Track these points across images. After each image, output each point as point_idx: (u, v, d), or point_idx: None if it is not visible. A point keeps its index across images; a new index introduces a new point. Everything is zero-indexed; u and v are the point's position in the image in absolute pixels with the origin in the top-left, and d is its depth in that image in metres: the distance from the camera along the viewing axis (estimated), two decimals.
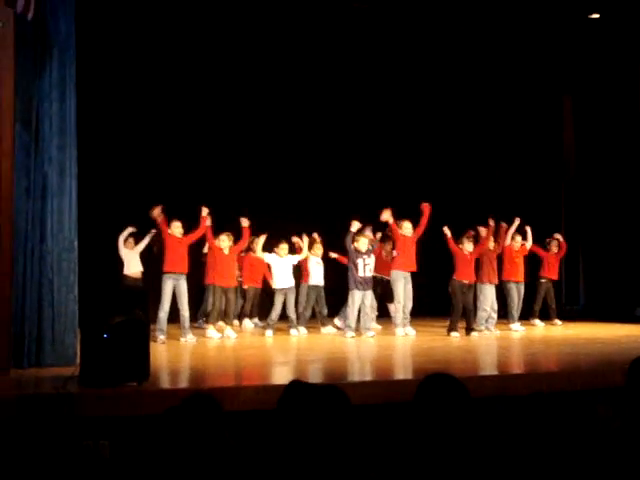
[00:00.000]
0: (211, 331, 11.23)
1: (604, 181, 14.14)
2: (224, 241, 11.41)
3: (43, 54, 7.97)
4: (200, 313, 12.83)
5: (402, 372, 8.66)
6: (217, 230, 11.52)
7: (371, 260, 11.62)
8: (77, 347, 7.75)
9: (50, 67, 8.01)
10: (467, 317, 11.63)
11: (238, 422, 4.35)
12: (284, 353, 9.91)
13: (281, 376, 7.69)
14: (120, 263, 12.41)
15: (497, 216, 15.06)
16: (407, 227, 11.74)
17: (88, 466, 4.58)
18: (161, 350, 9.61)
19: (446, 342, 10.83)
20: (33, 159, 7.91)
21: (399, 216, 11.90)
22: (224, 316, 11.53)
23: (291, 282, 11.91)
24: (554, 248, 13.45)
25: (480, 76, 14.95)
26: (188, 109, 13.98)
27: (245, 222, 11.49)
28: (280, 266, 11.91)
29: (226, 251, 11.42)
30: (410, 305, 11.62)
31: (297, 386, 3.80)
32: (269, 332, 11.59)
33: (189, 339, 10.68)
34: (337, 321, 12.42)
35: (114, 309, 6.53)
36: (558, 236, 13.52)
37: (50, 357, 7.83)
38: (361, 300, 11.41)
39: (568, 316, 14.13)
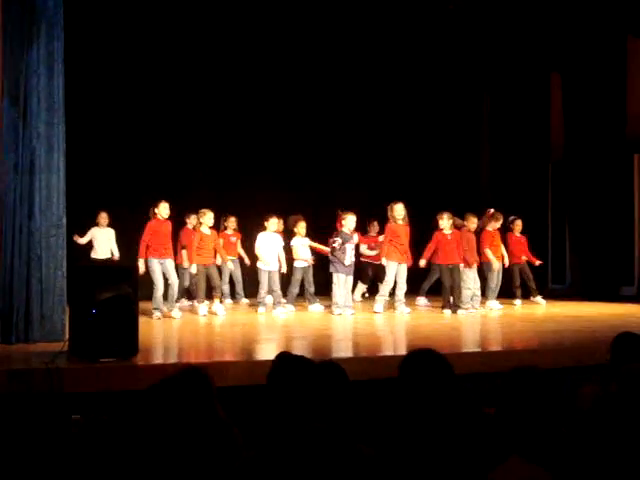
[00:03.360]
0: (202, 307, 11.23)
1: (591, 161, 14.16)
2: (208, 219, 11.33)
3: (31, 29, 7.92)
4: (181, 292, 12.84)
5: (388, 349, 8.72)
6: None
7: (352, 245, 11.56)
8: (66, 323, 7.77)
9: (38, 42, 7.95)
10: (454, 296, 11.73)
11: (228, 397, 4.38)
12: (272, 330, 9.95)
13: (270, 352, 7.73)
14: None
15: (485, 198, 15.20)
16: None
17: (76, 440, 4.60)
18: (150, 326, 9.64)
19: (433, 320, 10.90)
20: (21, 135, 7.88)
21: (387, 201, 11.89)
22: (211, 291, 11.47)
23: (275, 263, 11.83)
24: (517, 230, 13.29)
25: (465, 53, 14.94)
26: (177, 85, 13.93)
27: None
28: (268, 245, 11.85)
29: (208, 231, 11.38)
30: (404, 288, 11.57)
31: (287, 358, 3.84)
32: (261, 309, 11.59)
33: (174, 314, 10.73)
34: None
35: (102, 285, 6.54)
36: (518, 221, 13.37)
37: (38, 333, 7.84)
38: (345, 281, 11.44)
39: (554, 295, 14.22)
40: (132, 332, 6.63)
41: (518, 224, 13.26)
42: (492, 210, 12.65)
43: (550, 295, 14.19)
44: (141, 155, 13.69)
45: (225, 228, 12.98)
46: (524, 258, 13.19)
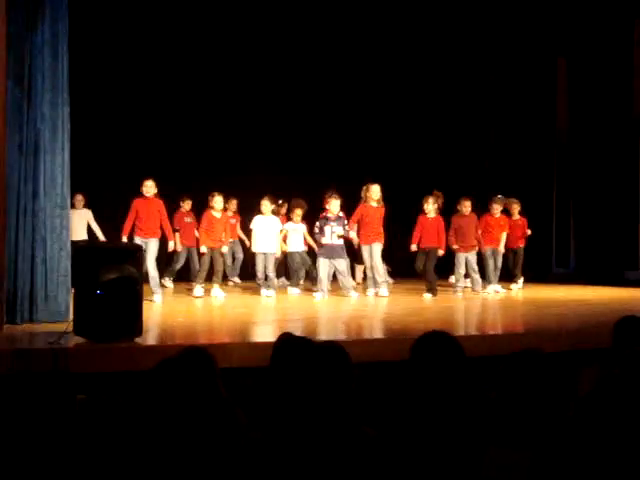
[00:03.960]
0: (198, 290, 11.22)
1: (596, 145, 14.15)
2: (218, 202, 11.40)
3: (35, 9, 7.91)
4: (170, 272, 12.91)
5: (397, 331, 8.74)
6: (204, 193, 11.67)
7: (339, 228, 11.42)
8: (70, 303, 7.79)
9: (42, 23, 7.94)
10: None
11: (232, 379, 4.40)
12: (273, 312, 9.97)
13: (273, 334, 7.75)
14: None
15: (490, 181, 15.18)
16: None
17: (81, 420, 4.62)
18: (154, 307, 9.67)
19: (436, 303, 10.92)
20: (25, 115, 7.87)
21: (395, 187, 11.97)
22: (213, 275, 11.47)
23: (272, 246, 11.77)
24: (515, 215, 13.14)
25: (472, 39, 14.88)
26: (179, 68, 13.94)
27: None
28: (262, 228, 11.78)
29: (218, 214, 11.42)
30: (378, 268, 11.49)
31: (290, 339, 3.85)
32: (264, 291, 11.54)
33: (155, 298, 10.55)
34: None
35: (107, 266, 6.55)
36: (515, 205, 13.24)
37: (43, 313, 7.86)
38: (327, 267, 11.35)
39: (558, 279, 14.23)
40: (136, 313, 6.64)
41: (516, 207, 13.14)
42: (499, 196, 12.69)
43: (554, 279, 14.21)
44: (140, 137, 13.71)
45: (225, 210, 12.79)
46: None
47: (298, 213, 12.26)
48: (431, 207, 11.72)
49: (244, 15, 13.91)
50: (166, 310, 9.87)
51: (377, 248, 11.44)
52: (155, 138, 13.83)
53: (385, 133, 15.51)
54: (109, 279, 6.48)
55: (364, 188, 11.54)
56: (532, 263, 14.72)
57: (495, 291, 12.23)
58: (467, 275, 12.43)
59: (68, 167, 8.15)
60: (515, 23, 14.38)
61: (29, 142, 7.89)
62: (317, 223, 11.54)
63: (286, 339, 3.95)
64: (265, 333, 8.06)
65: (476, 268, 12.15)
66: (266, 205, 11.76)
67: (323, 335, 7.48)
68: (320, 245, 11.44)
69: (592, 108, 14.13)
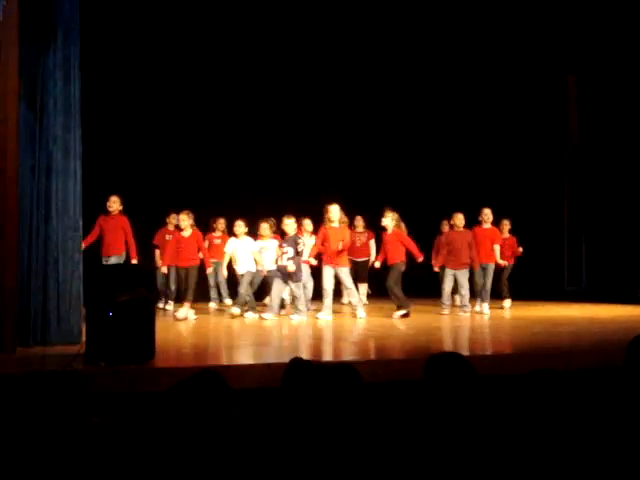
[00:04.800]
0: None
1: (608, 162, 14.14)
2: (184, 220, 11.18)
3: (47, 34, 7.98)
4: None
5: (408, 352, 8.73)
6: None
7: (289, 249, 11.13)
8: (82, 325, 7.81)
9: (54, 47, 8.02)
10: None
11: (244, 400, 4.40)
12: (286, 332, 9.96)
13: (284, 355, 7.74)
14: None
15: (499, 198, 15.15)
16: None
17: (94, 443, 4.62)
18: (165, 329, 9.67)
19: (443, 322, 10.90)
20: (38, 139, 7.94)
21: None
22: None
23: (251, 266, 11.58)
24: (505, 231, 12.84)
25: (483, 54, 14.91)
26: (192, 92, 14.02)
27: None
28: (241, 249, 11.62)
29: (187, 233, 11.23)
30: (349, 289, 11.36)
31: (299, 364, 3.85)
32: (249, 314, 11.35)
33: None
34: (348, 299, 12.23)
35: (119, 287, 6.57)
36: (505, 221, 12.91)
37: (55, 335, 7.89)
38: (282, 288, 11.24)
39: (570, 297, 14.18)
40: (149, 335, 6.65)
41: (505, 224, 12.88)
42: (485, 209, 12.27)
43: (566, 297, 14.16)
44: (150, 159, 13.82)
45: (213, 230, 12.74)
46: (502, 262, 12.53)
47: (265, 227, 11.81)
48: (389, 222, 11.34)
49: (242, 33, 14.01)
50: (179, 331, 9.89)
51: (343, 271, 11.16)
52: (165, 159, 13.90)
53: (391, 147, 15.51)
54: (121, 300, 6.49)
55: (324, 210, 11.25)
56: (544, 281, 14.69)
57: (482, 312, 11.87)
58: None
59: (80, 190, 8.19)
60: (526, 40, 14.39)
61: (41, 165, 7.94)
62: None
63: (297, 361, 3.95)
64: (276, 355, 8.05)
65: (466, 286, 11.77)
66: (240, 226, 11.58)
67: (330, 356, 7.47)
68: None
69: (602, 126, 14.13)
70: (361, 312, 11.19)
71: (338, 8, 13.81)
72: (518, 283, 13.18)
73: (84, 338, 7.11)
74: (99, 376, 6.21)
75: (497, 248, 12.21)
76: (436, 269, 12.66)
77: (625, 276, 13.82)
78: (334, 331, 9.99)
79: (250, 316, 11.25)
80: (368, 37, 14.47)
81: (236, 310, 11.29)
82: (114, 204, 10.64)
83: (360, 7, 13.81)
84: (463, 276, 11.74)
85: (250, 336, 9.48)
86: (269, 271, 11.55)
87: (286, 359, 4.26)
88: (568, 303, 13.43)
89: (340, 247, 11.07)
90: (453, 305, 12.31)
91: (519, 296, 13.41)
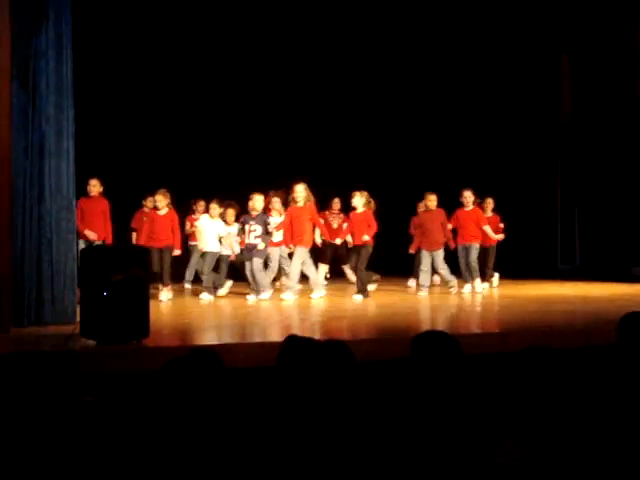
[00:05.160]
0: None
1: (600, 140, 14.12)
2: (160, 201, 10.97)
3: (39, 12, 7.94)
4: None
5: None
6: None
7: (258, 226, 11.00)
8: (76, 305, 7.82)
9: (46, 26, 7.97)
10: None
11: (239, 379, 4.41)
12: (279, 312, 9.99)
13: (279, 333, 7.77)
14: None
15: (493, 177, 15.14)
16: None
17: (89, 422, 4.63)
18: (160, 308, 9.70)
19: (439, 301, 10.93)
20: (30, 119, 7.91)
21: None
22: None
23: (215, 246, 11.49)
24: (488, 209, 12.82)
25: (475, 34, 14.86)
26: (185, 72, 13.97)
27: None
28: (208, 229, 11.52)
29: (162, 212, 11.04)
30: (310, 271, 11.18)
31: (295, 341, 3.85)
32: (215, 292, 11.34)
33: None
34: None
35: (113, 267, 6.57)
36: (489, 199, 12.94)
37: (50, 315, 7.90)
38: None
39: (563, 275, 14.22)
40: (143, 314, 6.67)
41: (489, 203, 12.89)
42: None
43: (559, 275, 14.20)
44: (144, 139, 13.81)
45: (193, 212, 12.48)
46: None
47: (231, 214, 11.76)
48: (358, 201, 11.23)
49: (237, 34, 13.98)
50: (175, 311, 9.91)
51: (300, 251, 10.98)
52: (158, 140, 13.86)
53: (387, 129, 15.49)
54: (115, 280, 6.50)
55: (290, 189, 11.16)
56: (537, 260, 14.73)
57: (474, 291, 11.79)
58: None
59: (73, 170, 8.18)
60: (518, 20, 14.35)
61: (34, 145, 7.92)
62: (240, 220, 11.27)
63: (292, 340, 3.96)
64: (271, 333, 8.08)
65: (444, 266, 11.61)
66: (214, 208, 11.49)
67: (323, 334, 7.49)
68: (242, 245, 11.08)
69: (596, 103, 14.11)
70: (289, 294, 10.89)
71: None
72: (511, 261, 13.21)
73: (79, 318, 7.13)
74: (94, 355, 6.23)
75: (487, 229, 12.17)
76: (411, 251, 12.53)
77: (618, 254, 13.84)
78: (323, 310, 10.03)
79: (205, 297, 11.03)
80: (348, 19, 14.38)
81: (205, 296, 11.11)
82: (94, 187, 10.52)
83: None
84: (438, 256, 11.57)
85: (243, 316, 9.51)
86: (237, 255, 11.56)
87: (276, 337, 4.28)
88: (561, 281, 13.47)
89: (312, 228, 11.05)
90: (432, 285, 12.12)
91: (512, 274, 13.44)
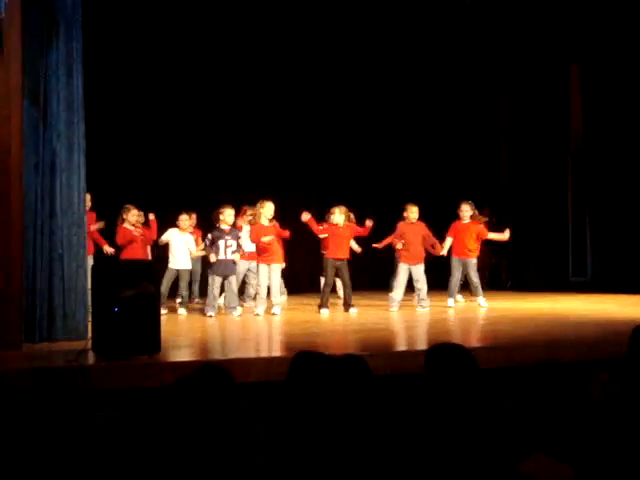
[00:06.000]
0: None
1: (612, 152, 14.09)
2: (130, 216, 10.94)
3: (50, 30, 7.98)
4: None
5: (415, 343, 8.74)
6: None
7: (233, 242, 10.85)
8: (88, 321, 7.84)
9: (57, 43, 8.01)
10: (345, 293, 11.33)
11: (250, 393, 4.41)
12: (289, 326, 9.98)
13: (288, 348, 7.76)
14: None
15: (505, 191, 15.13)
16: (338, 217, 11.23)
17: (102, 437, 4.64)
18: (171, 324, 9.70)
19: (443, 315, 10.91)
20: (42, 135, 7.94)
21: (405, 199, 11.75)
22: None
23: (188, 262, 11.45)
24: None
25: (484, 45, 14.88)
26: (194, 87, 13.98)
27: (151, 216, 11.17)
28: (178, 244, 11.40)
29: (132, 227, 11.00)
30: (275, 291, 11.00)
31: (306, 356, 3.85)
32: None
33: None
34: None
35: (124, 283, 6.59)
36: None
37: (61, 331, 7.91)
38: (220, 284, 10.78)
39: (575, 288, 14.18)
40: (154, 329, 6.68)
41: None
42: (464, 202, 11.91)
43: (571, 288, 14.15)
44: (160, 153, 13.78)
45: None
46: None
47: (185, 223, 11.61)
48: (338, 217, 11.15)
49: (247, 40, 13.98)
50: (185, 326, 9.92)
51: (276, 268, 10.97)
52: (172, 153, 13.89)
53: (399, 141, 15.46)
54: (127, 296, 6.51)
55: (258, 205, 11.06)
56: (549, 272, 14.69)
57: (479, 305, 11.57)
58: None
59: (84, 185, 8.21)
60: (528, 31, 14.35)
61: (45, 161, 7.95)
62: (209, 236, 10.91)
63: (303, 354, 3.96)
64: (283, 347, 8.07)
65: (422, 280, 11.29)
66: (184, 220, 11.41)
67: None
68: (211, 260, 10.77)
69: (606, 115, 14.09)
70: (277, 309, 10.84)
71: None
72: (522, 274, 13.17)
73: (90, 334, 7.15)
74: (106, 371, 6.24)
75: (493, 235, 11.95)
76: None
77: (631, 266, 13.78)
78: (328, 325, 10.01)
79: (182, 312, 11.09)
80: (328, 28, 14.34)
81: (182, 311, 11.14)
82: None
83: None
84: (418, 270, 11.32)
85: (251, 330, 9.52)
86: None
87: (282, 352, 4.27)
88: (573, 294, 13.41)
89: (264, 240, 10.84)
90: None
91: (523, 287, 13.40)
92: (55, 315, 7.91)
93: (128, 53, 13.21)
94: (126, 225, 10.93)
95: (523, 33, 14.42)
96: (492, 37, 14.69)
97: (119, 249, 10.98)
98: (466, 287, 12.02)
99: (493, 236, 12.02)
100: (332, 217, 11.31)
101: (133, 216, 11.00)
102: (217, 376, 3.57)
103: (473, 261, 11.65)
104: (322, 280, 11.99)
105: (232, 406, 3.51)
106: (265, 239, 10.80)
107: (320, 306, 11.11)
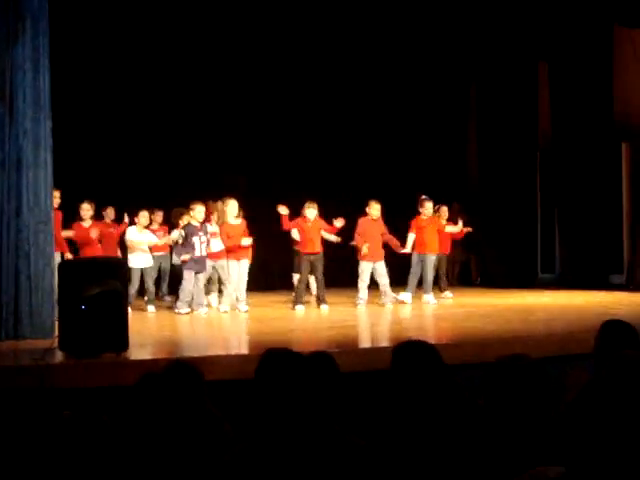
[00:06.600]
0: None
1: (579, 149, 14.16)
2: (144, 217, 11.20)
3: (16, 25, 7.90)
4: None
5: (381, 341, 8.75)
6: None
7: (205, 237, 10.85)
8: (55, 319, 7.77)
9: (23, 38, 7.94)
10: (318, 288, 11.32)
11: (218, 391, 4.38)
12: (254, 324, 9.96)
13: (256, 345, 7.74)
14: None
15: (473, 187, 15.18)
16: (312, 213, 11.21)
17: (68, 437, 4.59)
18: (139, 321, 9.64)
19: (415, 311, 10.92)
20: (7, 131, 7.86)
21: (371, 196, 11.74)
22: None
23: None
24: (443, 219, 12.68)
25: (453, 40, 14.89)
26: (164, 82, 13.88)
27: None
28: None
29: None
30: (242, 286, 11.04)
31: (275, 354, 3.83)
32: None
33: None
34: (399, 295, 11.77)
35: (91, 280, 6.53)
36: (444, 208, 12.87)
37: (28, 329, 7.83)
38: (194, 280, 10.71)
39: (543, 284, 14.26)
40: (122, 327, 6.63)
41: (444, 211, 12.82)
42: (423, 196, 12.01)
43: (540, 284, 14.23)
44: (128, 148, 13.69)
45: (150, 222, 11.99)
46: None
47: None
48: (310, 212, 11.16)
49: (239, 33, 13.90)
50: (152, 324, 9.86)
51: (243, 264, 11.04)
52: (141, 150, 13.80)
53: (365, 139, 15.43)
54: (93, 293, 6.46)
55: (220, 203, 11.19)
56: (517, 269, 14.76)
57: (428, 302, 11.64)
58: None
59: (51, 182, 8.14)
60: (496, 27, 14.39)
61: (11, 158, 7.87)
62: (180, 232, 10.84)
63: (272, 351, 3.94)
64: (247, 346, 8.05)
65: (385, 276, 11.27)
66: (144, 217, 11.39)
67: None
68: (182, 259, 10.75)
69: (574, 113, 14.15)
70: (244, 306, 10.90)
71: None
72: (492, 270, 13.22)
73: (57, 332, 7.08)
74: (72, 369, 6.18)
75: (450, 228, 12.23)
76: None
77: (597, 263, 13.88)
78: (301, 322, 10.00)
79: (152, 309, 11.12)
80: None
81: (151, 308, 11.18)
82: (54, 199, 10.24)
83: None
84: (380, 266, 11.29)
85: (221, 328, 9.49)
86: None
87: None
88: (542, 290, 13.49)
89: (245, 243, 10.93)
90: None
91: (492, 284, 13.45)
92: (21, 313, 7.83)
93: (94, 47, 13.07)
94: (81, 222, 10.90)
95: (492, 29, 14.46)
96: (461, 32, 14.69)
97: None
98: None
99: (450, 228, 12.17)
100: (305, 211, 11.23)
101: (82, 211, 10.89)
102: (186, 373, 3.54)
103: (432, 257, 11.75)
104: (294, 277, 11.98)
105: (201, 405, 3.49)
106: (245, 242, 10.86)
107: (295, 302, 11.10)
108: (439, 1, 13.45)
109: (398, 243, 11.51)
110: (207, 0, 13.45)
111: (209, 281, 11.49)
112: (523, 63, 14.89)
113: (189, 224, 10.79)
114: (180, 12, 13.43)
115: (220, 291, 11.66)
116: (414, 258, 11.80)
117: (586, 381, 3.84)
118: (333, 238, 11.41)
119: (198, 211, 10.78)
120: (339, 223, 11.22)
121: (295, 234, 11.61)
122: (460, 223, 12.45)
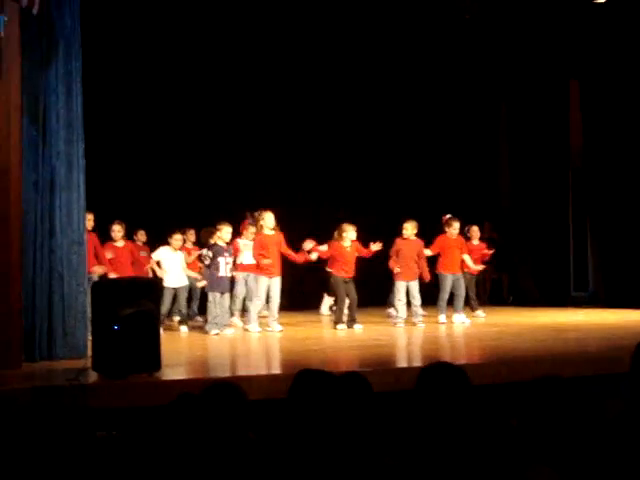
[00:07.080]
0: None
1: (612, 167, 14.07)
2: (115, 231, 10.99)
3: (49, 48, 7.99)
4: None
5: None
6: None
7: (231, 259, 10.81)
8: (88, 339, 7.82)
9: (56, 61, 8.02)
10: (350, 309, 11.18)
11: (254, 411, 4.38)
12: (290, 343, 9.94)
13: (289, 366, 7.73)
14: None
15: (505, 206, 15.10)
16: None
17: (102, 457, 4.61)
18: (171, 341, 9.67)
19: (448, 331, 10.87)
20: (41, 153, 7.94)
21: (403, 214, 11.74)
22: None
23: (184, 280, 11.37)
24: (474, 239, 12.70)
25: (485, 60, 14.89)
26: (193, 101, 13.99)
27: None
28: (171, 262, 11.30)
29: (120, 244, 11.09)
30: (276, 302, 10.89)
31: (308, 374, 3.82)
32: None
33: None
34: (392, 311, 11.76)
35: (124, 301, 6.57)
36: (475, 227, 12.85)
37: (61, 350, 7.88)
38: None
39: (576, 302, 14.14)
40: (155, 347, 6.65)
41: (475, 231, 12.78)
42: (448, 215, 11.93)
43: (573, 302, 14.11)
44: (160, 169, 13.79)
45: (134, 242, 11.94)
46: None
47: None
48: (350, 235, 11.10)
49: (247, 45, 13.98)
50: (184, 344, 9.89)
51: (276, 282, 10.82)
52: (173, 169, 13.90)
53: (398, 159, 15.44)
54: (127, 314, 6.49)
55: (256, 215, 11.09)
56: (550, 287, 14.66)
57: (462, 322, 11.56)
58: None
59: (84, 203, 8.21)
60: (528, 46, 14.36)
61: (45, 180, 7.94)
62: (208, 252, 10.71)
63: (305, 371, 3.94)
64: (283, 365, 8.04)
65: (418, 297, 11.23)
66: (177, 240, 11.31)
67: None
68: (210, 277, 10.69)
69: (606, 128, 14.08)
70: (277, 325, 10.77)
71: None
72: (524, 289, 13.12)
73: (90, 352, 7.12)
74: (106, 390, 6.21)
75: (467, 258, 12.00)
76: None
77: (632, 281, 13.73)
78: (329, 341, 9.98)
79: (184, 330, 11.05)
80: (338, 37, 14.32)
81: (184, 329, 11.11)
82: (88, 222, 10.28)
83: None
84: (414, 287, 11.27)
85: (253, 348, 9.49)
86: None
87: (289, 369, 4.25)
88: (575, 308, 13.37)
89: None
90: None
91: (525, 302, 13.36)
92: (55, 334, 7.88)
93: (127, 71, 13.24)
94: (113, 242, 10.97)
95: (523, 48, 14.43)
96: (492, 52, 14.68)
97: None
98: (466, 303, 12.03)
99: (466, 259, 12.00)
100: (344, 235, 11.08)
101: (113, 232, 10.96)
102: (229, 393, 3.53)
103: (452, 277, 11.68)
104: (325, 297, 11.93)
105: (245, 426, 3.47)
106: (265, 262, 10.72)
107: (336, 322, 11.03)
108: (469, 23, 13.41)
109: (428, 276, 11.40)
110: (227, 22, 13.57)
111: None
112: (554, 81, 14.84)
113: (215, 244, 10.74)
114: (208, 36, 13.55)
115: (243, 309, 11.60)
116: (442, 278, 11.69)
117: (622, 403, 3.80)
118: (314, 256, 11.27)
119: (225, 231, 10.71)
120: (376, 247, 11.16)
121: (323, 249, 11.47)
122: (481, 266, 12.38)
